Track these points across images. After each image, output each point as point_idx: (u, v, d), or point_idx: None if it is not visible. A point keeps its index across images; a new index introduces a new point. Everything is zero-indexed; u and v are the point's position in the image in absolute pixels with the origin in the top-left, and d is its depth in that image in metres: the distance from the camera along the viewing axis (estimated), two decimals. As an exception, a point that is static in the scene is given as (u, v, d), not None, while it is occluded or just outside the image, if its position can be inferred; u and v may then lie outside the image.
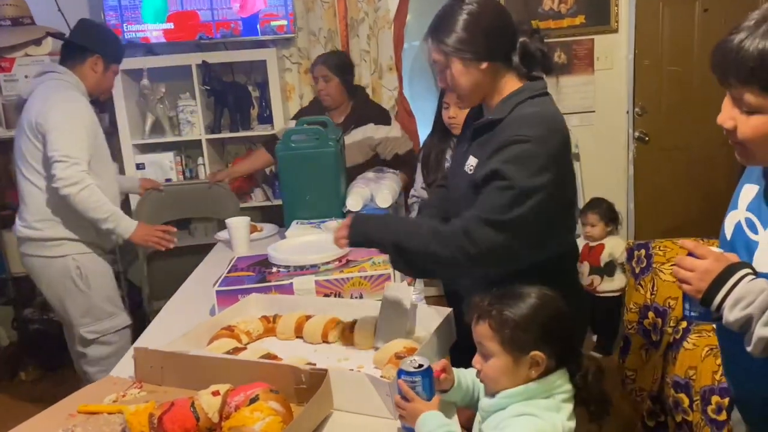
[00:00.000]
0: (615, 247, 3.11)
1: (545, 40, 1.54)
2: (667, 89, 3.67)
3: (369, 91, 3.40)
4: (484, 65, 1.45)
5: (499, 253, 1.37)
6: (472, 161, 1.52)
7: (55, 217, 2.40)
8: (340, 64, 2.98)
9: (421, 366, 1.19)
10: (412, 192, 2.55)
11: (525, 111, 1.45)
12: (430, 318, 1.58)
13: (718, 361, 2.08)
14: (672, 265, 1.09)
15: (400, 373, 1.20)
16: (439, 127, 2.42)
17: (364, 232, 1.49)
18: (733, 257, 1.09)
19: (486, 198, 1.39)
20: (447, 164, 2.37)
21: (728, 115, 1.06)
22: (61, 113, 2.32)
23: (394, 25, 3.41)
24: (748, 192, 1.17)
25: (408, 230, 1.46)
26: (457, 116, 2.34)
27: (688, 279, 1.08)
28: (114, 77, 2.57)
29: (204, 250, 2.66)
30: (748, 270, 1.05)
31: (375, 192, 2.58)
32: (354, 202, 2.54)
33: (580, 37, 3.54)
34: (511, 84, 1.50)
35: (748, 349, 1.03)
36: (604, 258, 3.10)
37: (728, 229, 1.19)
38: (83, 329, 2.49)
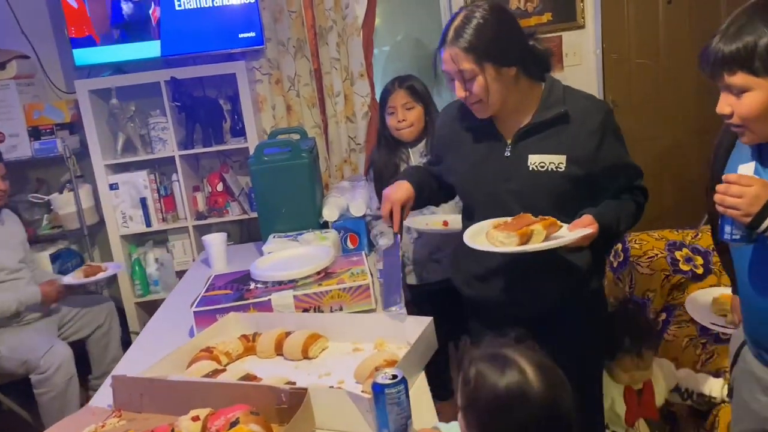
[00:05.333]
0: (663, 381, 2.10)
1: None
2: (636, 82, 3.70)
3: (341, 98, 3.40)
4: (513, 70, 1.51)
5: None
6: (544, 159, 1.56)
7: None
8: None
9: (395, 377, 1.20)
10: (367, 211, 2.47)
11: (580, 93, 1.61)
12: (411, 328, 1.57)
13: (698, 351, 2.11)
14: (716, 194, 1.20)
15: (376, 386, 1.19)
16: (386, 140, 2.36)
17: (608, 225, 1.55)
18: None
19: (629, 174, 1.68)
20: None
21: (725, 103, 1.22)
22: None
23: (363, 32, 3.40)
24: (745, 171, 1.25)
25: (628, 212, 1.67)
26: (406, 119, 2.30)
27: (737, 204, 1.17)
28: None
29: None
30: None
31: (350, 201, 2.57)
32: (330, 212, 2.54)
33: (547, 34, 3.55)
34: (527, 85, 1.57)
35: None
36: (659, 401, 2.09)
37: None
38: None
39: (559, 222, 1.49)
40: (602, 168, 1.57)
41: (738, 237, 1.22)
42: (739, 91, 1.19)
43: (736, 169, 1.27)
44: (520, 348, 1.05)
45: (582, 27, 3.59)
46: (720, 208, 1.20)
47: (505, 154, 1.60)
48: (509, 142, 1.60)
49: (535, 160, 1.57)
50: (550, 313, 1.66)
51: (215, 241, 2.46)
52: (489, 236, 1.48)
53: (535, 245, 1.44)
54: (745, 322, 1.39)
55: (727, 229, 1.23)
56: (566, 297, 1.66)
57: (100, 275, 2.77)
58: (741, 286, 1.35)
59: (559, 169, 1.55)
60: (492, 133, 1.63)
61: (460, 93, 1.53)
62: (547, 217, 1.47)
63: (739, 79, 1.17)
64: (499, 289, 1.67)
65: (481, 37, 1.46)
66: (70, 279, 2.81)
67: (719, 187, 1.20)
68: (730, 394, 1.54)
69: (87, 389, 2.92)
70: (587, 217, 1.50)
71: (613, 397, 2.00)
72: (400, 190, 1.72)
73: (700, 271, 2.41)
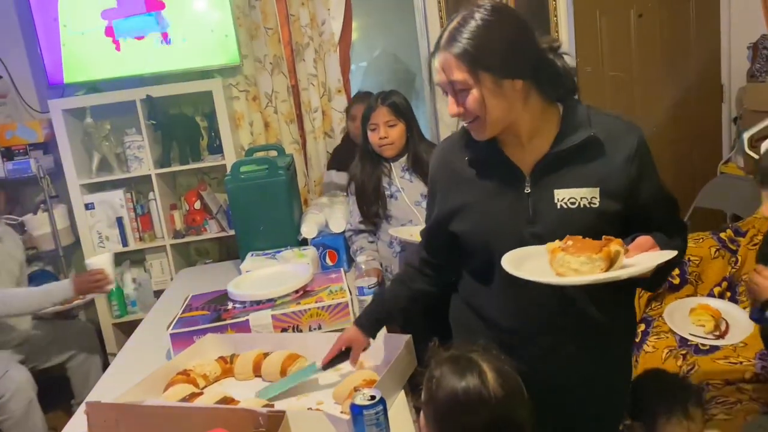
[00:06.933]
0: None
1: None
2: (610, 94, 3.75)
3: (319, 114, 3.39)
4: (518, 84, 1.25)
5: None
6: (574, 193, 1.29)
7: None
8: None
9: (373, 398, 1.19)
10: (348, 226, 2.47)
11: (605, 113, 1.35)
12: (390, 346, 1.56)
13: (679, 362, 2.12)
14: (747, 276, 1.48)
15: (354, 407, 1.18)
16: (368, 154, 2.35)
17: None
18: None
19: (670, 206, 1.39)
20: (387, 192, 2.35)
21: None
22: None
23: (340, 48, 3.41)
24: None
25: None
26: (388, 136, 2.31)
27: (752, 290, 1.42)
28: None
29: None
30: None
31: (329, 217, 2.56)
32: (308, 229, 2.53)
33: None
34: (540, 106, 1.30)
35: None
36: None
37: None
38: None
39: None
40: (640, 201, 1.32)
41: (755, 317, 1.48)
42: None
43: None
44: (486, 353, 1.11)
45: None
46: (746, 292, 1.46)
47: (525, 191, 1.32)
48: (528, 175, 1.32)
49: (563, 196, 1.30)
50: (576, 383, 1.39)
51: (101, 263, 2.45)
52: (556, 263, 1.17)
53: (622, 272, 1.14)
54: None
55: (749, 309, 1.49)
56: (599, 363, 1.39)
57: (78, 301, 2.71)
58: None
59: (592, 205, 1.29)
60: (505, 165, 1.34)
61: (453, 109, 1.27)
62: (610, 237, 1.18)
63: None
64: (522, 354, 1.27)
65: (477, 41, 1.21)
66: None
67: (749, 273, 1.43)
68: None
69: (69, 415, 2.85)
70: (646, 239, 1.24)
71: None
72: (346, 334, 1.55)
73: (676, 281, 2.43)
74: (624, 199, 1.30)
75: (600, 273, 1.13)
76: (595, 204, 1.28)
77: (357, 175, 2.38)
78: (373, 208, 2.34)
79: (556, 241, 1.21)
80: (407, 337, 1.58)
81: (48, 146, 3.26)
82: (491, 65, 1.22)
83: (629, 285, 1.24)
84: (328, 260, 2.48)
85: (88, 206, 3.20)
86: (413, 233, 2.24)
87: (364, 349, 1.54)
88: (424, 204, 2.32)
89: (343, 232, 2.49)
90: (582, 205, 1.29)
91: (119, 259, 3.37)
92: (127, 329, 3.21)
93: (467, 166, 1.38)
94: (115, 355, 3.04)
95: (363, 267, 2.18)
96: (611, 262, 1.14)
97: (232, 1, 3.14)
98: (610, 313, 1.35)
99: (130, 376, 1.64)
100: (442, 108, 3.57)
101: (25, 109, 3.35)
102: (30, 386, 2.57)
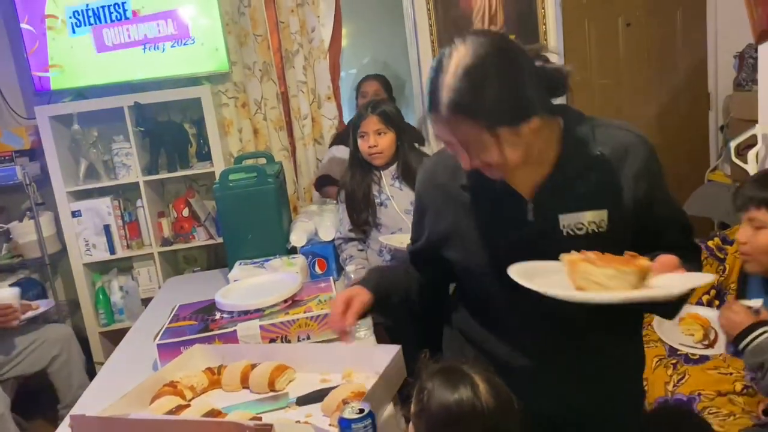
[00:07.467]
0: None
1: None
2: (599, 102, 3.77)
3: (308, 121, 3.38)
4: (534, 122, 1.09)
5: None
6: (581, 218, 1.17)
7: None
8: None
9: (362, 411, 1.18)
10: (337, 234, 2.46)
11: (609, 124, 1.23)
12: (378, 358, 1.55)
13: (669, 372, 2.12)
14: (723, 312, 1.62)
15: (342, 421, 1.17)
16: (358, 162, 2.36)
17: None
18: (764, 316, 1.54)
19: (684, 227, 1.28)
20: (377, 200, 2.34)
21: (743, 234, 1.68)
22: None
23: (330, 55, 3.41)
24: (753, 305, 1.60)
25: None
26: (378, 144, 2.31)
27: (722, 324, 1.58)
28: None
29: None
30: (764, 328, 1.49)
31: (318, 225, 2.55)
32: (298, 237, 2.51)
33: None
34: (547, 128, 1.16)
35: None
36: None
37: None
38: None
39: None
40: (650, 221, 1.20)
41: (731, 352, 1.59)
42: (759, 227, 1.60)
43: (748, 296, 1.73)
44: (476, 365, 1.11)
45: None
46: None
47: (528, 218, 1.20)
48: (530, 201, 1.20)
49: (569, 222, 1.17)
50: (583, 415, 1.31)
51: (6, 296, 2.45)
52: (578, 275, 1.04)
53: (657, 292, 0.98)
54: None
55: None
56: (607, 396, 1.30)
57: (29, 313, 2.66)
58: None
59: (600, 230, 1.17)
60: (504, 190, 1.21)
61: (469, 165, 1.13)
62: (634, 253, 1.07)
63: (762, 214, 1.60)
64: (525, 380, 1.18)
65: (488, 94, 1.04)
66: None
67: (725, 308, 1.57)
68: None
69: (58, 419, 2.81)
70: (671, 258, 1.09)
71: None
72: (351, 289, 1.39)
73: (665, 289, 2.43)
74: (634, 220, 1.19)
75: (631, 290, 0.97)
76: (603, 228, 1.17)
77: (347, 183, 2.38)
78: (362, 215, 2.33)
79: (572, 252, 1.08)
80: (397, 347, 1.56)
81: (34, 153, 3.23)
82: (509, 118, 1.07)
83: (641, 311, 1.15)
84: (317, 269, 2.47)
85: (75, 214, 3.17)
86: (403, 241, 2.24)
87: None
88: (413, 212, 2.32)
89: (333, 240, 2.48)
90: (590, 231, 1.17)
91: (107, 266, 3.35)
92: (114, 338, 3.18)
93: (459, 191, 1.26)
94: (102, 364, 3.01)
95: (352, 276, 2.17)
96: (642, 280, 0.99)
97: (221, 8, 3.14)
98: (620, 345, 1.27)
99: (117, 386, 1.62)
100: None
101: (11, 116, 3.32)
102: (1, 400, 2.49)
